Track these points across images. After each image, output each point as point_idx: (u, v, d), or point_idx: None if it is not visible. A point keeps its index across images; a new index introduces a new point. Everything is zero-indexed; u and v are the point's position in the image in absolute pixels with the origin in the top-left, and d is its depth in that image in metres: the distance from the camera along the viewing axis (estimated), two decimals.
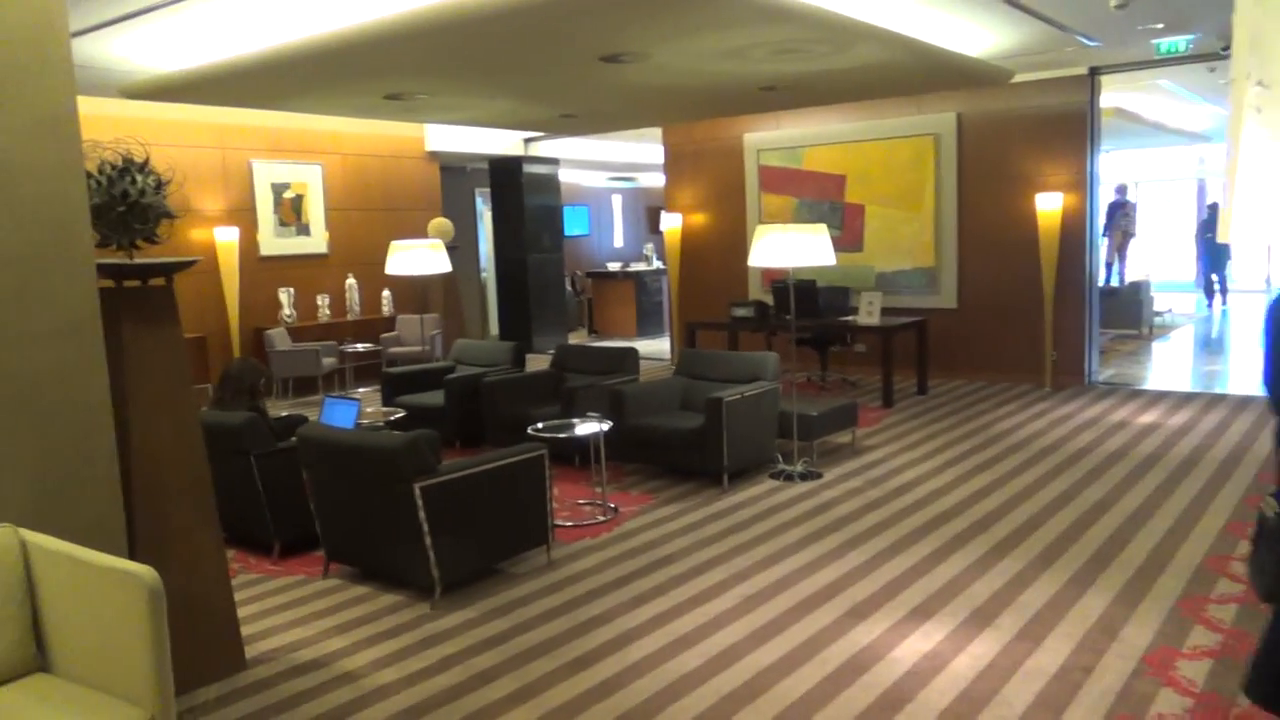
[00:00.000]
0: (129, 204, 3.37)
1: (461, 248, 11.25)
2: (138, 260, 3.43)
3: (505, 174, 13.02)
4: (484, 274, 14.49)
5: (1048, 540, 4.86)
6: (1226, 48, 7.47)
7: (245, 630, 3.92)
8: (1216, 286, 15.32)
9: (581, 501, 5.83)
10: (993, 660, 3.55)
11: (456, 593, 4.38)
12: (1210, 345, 12.37)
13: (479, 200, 14.41)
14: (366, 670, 3.66)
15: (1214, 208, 15.63)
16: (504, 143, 12.37)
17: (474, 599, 4.33)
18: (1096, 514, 5.25)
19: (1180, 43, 7.39)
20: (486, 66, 6.52)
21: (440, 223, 10.07)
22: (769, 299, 9.51)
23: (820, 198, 10.33)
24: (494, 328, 14.20)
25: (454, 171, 13.26)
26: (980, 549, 4.76)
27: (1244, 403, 8.03)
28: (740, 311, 9.24)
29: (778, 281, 9.22)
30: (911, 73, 7.37)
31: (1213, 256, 15.29)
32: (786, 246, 5.95)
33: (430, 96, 7.62)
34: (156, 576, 2.41)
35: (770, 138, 10.64)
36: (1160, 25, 6.86)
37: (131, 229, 3.40)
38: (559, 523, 5.34)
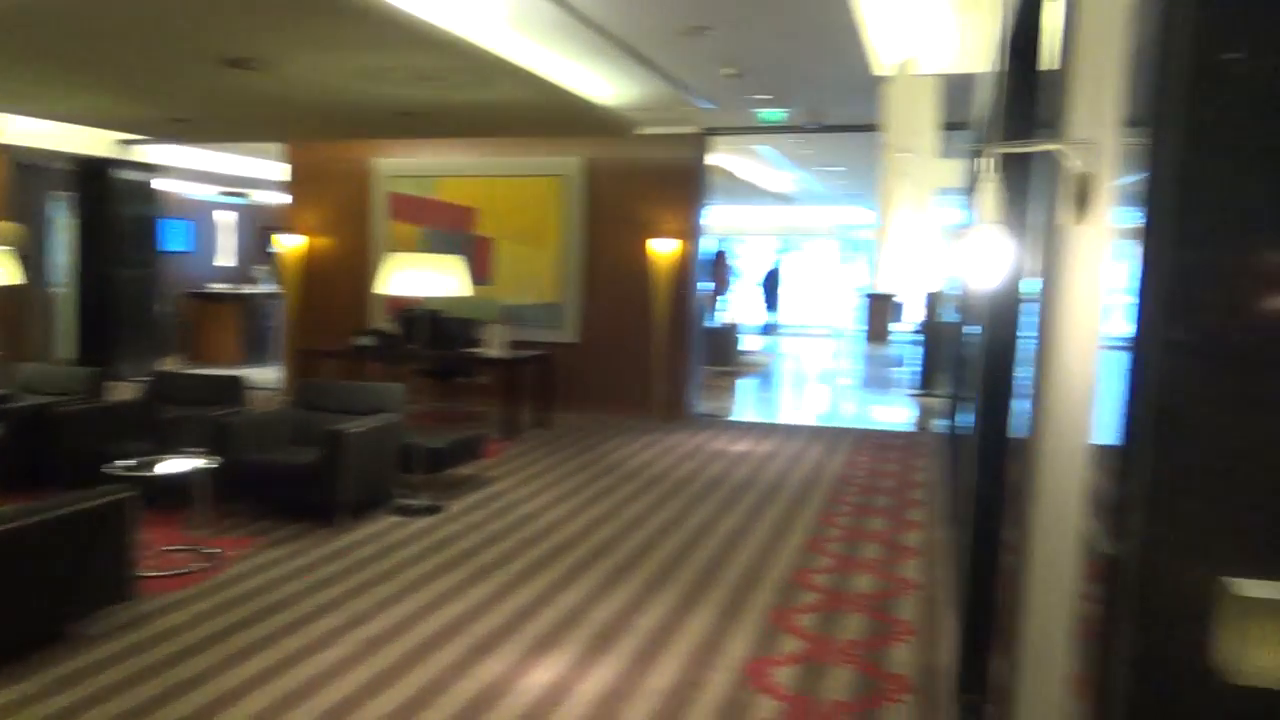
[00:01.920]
0: None
1: (27, 257, 9.63)
2: None
3: (92, 178, 11.41)
4: (52, 289, 12.51)
5: (659, 564, 5.13)
6: (813, 122, 8.59)
7: None
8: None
9: (174, 548, 5.16)
10: (614, 684, 3.64)
11: (7, 665, 3.64)
12: (788, 381, 14.08)
13: (50, 204, 12.44)
14: None
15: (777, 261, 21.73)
16: (94, 142, 10.85)
17: (31, 671, 3.62)
18: (700, 536, 5.65)
19: (779, 114, 8.38)
20: (74, 59, 5.65)
21: (8, 227, 8.55)
22: (394, 328, 9.23)
23: (452, 228, 10.26)
24: (64, 350, 12.30)
25: (30, 170, 11.35)
26: (599, 576, 4.91)
27: (817, 432, 9.19)
28: (362, 340, 8.87)
29: (403, 311, 8.98)
30: (545, 112, 7.59)
31: (773, 302, 20.57)
32: (419, 276, 5.79)
33: None
34: None
35: (403, 164, 10.39)
36: (770, 96, 7.72)
37: None
38: (145, 574, 4.68)
